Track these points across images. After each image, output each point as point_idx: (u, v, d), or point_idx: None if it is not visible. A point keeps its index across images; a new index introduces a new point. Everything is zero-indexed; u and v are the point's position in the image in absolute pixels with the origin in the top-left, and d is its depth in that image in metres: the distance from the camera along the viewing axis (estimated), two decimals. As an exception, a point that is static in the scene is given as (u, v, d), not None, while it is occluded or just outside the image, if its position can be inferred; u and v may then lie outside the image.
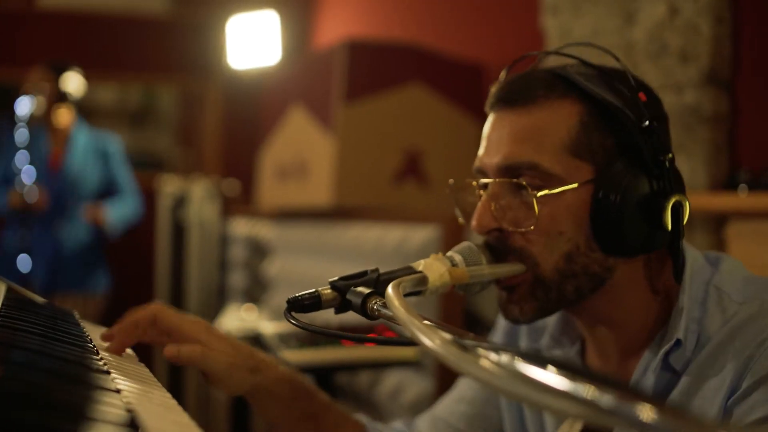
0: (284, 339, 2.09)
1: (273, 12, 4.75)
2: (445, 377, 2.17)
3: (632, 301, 1.02)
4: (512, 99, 1.02)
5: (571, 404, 0.49)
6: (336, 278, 0.91)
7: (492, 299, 1.14)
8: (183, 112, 6.18)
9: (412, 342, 0.65)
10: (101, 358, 0.86)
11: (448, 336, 0.61)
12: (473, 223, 1.03)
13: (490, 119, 1.05)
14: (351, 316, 0.93)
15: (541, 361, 0.54)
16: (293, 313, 0.89)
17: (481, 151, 1.05)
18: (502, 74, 1.08)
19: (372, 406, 2.54)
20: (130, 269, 4.71)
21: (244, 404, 2.46)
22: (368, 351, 2.11)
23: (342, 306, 0.90)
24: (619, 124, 0.98)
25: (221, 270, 4.05)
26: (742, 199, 1.95)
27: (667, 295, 1.02)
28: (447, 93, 2.92)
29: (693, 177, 2.09)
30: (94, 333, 1.06)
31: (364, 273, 0.91)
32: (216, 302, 4.00)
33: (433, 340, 0.60)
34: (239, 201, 4.29)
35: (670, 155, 0.96)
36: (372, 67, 2.87)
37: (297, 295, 0.90)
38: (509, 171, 1.00)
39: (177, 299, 4.16)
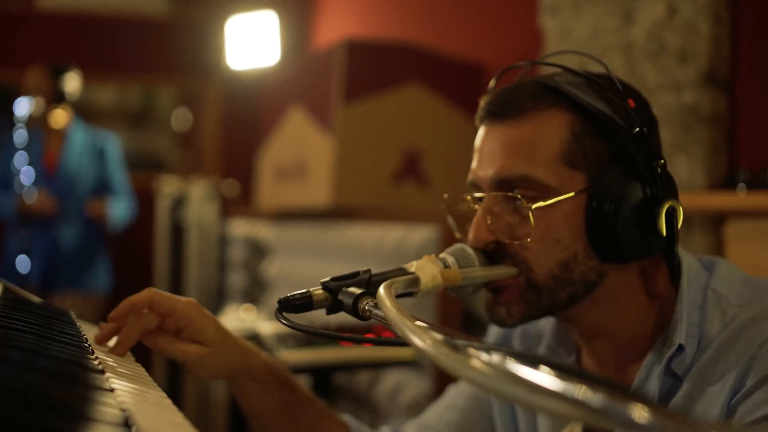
0: (282, 339, 2.09)
1: (272, 12, 4.75)
2: (443, 377, 2.16)
3: (628, 308, 1.02)
4: (502, 112, 1.02)
5: (563, 404, 0.48)
6: (328, 279, 0.91)
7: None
8: (182, 113, 6.19)
9: (406, 342, 0.65)
10: (96, 358, 0.86)
11: (438, 336, 0.61)
12: (470, 237, 1.03)
13: (481, 132, 1.05)
14: (350, 317, 0.93)
15: (532, 361, 0.53)
16: (284, 314, 0.89)
17: (474, 164, 1.05)
18: (491, 84, 1.08)
19: (371, 407, 2.54)
20: (129, 269, 4.71)
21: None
22: (366, 351, 2.10)
23: (333, 306, 0.90)
24: (610, 131, 0.98)
25: (220, 270, 4.05)
26: (741, 198, 1.95)
27: (663, 301, 1.02)
28: (446, 93, 2.92)
29: (692, 177, 2.08)
30: (90, 333, 1.06)
31: (356, 274, 0.92)
32: (215, 303, 4.00)
33: (423, 340, 0.60)
34: (238, 201, 4.29)
35: (662, 161, 0.97)
36: (371, 67, 2.87)
37: (288, 295, 0.90)
38: (503, 184, 1.00)
39: (176, 300, 4.15)
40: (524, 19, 2.83)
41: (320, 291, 0.91)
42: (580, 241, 0.98)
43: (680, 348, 0.95)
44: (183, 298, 1.10)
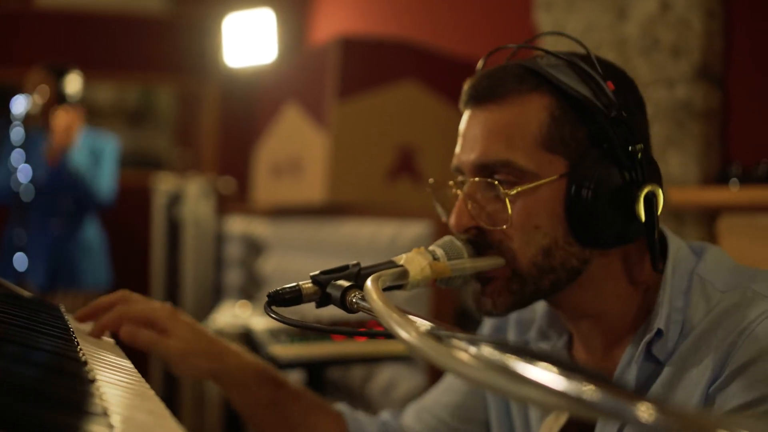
0: (275, 334, 2.09)
1: (269, 10, 4.75)
2: (437, 372, 2.17)
3: (612, 293, 1.02)
4: (484, 96, 1.01)
5: (544, 394, 0.48)
6: (317, 272, 0.91)
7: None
8: (180, 111, 6.18)
9: (392, 335, 0.65)
10: (80, 349, 0.86)
11: (422, 327, 0.61)
12: (451, 221, 1.03)
13: (465, 116, 1.05)
14: (344, 312, 0.93)
15: (517, 352, 0.54)
16: (274, 307, 0.90)
17: (457, 149, 1.05)
18: (479, 64, 1.07)
19: (365, 402, 2.54)
20: (126, 267, 4.71)
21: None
22: (359, 346, 2.11)
23: (322, 299, 0.90)
24: (589, 115, 0.96)
25: (216, 267, 4.05)
26: (734, 193, 1.95)
27: (649, 286, 1.02)
28: (441, 90, 2.92)
29: (685, 171, 2.09)
30: (78, 326, 1.07)
31: (346, 267, 0.92)
32: (211, 299, 4.00)
33: (408, 331, 0.60)
34: (234, 198, 4.29)
35: (641, 145, 0.95)
36: (365, 64, 2.87)
37: (278, 288, 0.90)
38: (483, 169, 1.00)
39: (172, 296, 4.16)
40: (519, 16, 2.83)
41: (310, 284, 0.91)
42: (560, 227, 0.97)
43: (659, 333, 0.95)
44: (155, 303, 1.14)
